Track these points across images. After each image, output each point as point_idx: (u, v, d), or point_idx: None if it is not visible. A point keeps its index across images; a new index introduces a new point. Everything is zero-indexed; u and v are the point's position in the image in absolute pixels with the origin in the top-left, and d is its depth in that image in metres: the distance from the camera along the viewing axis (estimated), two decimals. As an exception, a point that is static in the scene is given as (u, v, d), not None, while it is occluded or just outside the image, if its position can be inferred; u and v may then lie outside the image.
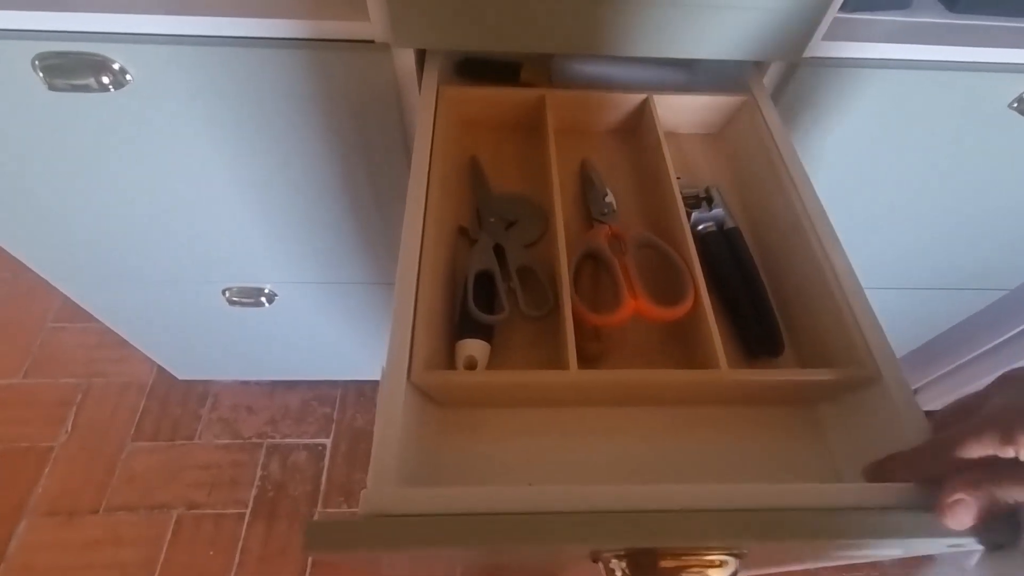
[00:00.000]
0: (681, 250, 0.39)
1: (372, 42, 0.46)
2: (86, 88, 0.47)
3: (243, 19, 0.45)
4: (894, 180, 0.62)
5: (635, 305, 0.36)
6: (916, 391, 1.16)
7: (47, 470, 1.02)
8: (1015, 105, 0.53)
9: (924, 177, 0.62)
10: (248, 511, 0.99)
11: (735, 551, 0.27)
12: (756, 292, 0.40)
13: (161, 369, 1.13)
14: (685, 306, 0.36)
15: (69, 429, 1.06)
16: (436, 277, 0.36)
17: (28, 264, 0.70)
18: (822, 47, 0.48)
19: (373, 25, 0.45)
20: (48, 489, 1.00)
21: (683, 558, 0.26)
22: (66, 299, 0.78)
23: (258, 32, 0.45)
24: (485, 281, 0.39)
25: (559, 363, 0.34)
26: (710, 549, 0.26)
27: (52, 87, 0.47)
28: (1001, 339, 0.94)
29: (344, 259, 0.72)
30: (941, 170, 0.61)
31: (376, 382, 1.16)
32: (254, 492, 1.01)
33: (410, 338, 0.32)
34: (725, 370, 0.33)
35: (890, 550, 0.31)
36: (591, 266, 0.42)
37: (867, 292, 0.85)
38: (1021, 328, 0.91)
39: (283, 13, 0.45)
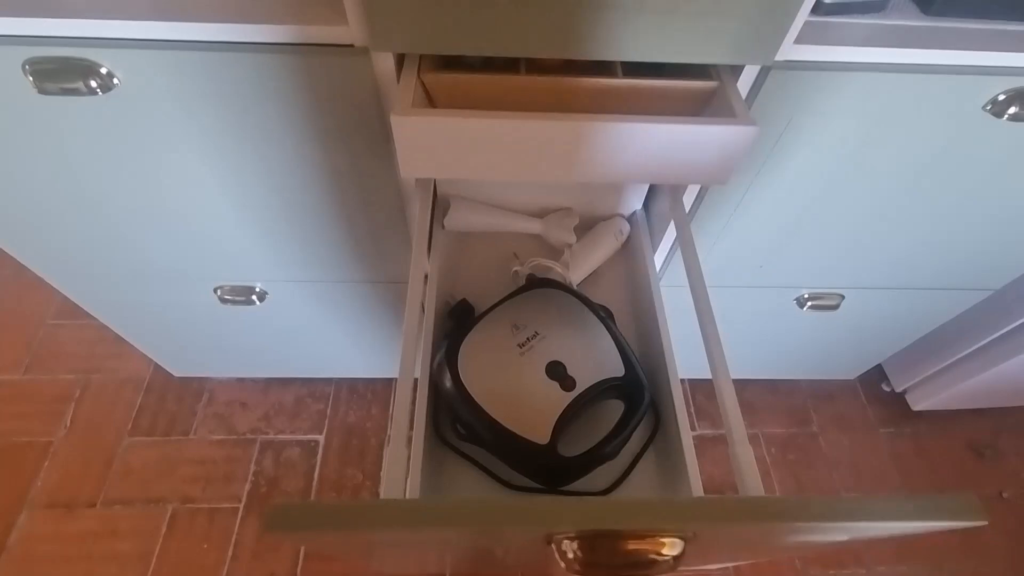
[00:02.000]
0: None
1: (352, 46, 0.47)
2: (75, 92, 0.49)
3: (224, 24, 0.46)
4: (872, 182, 0.63)
5: None
6: (906, 390, 1.16)
7: (46, 464, 1.04)
8: (989, 107, 0.53)
9: (902, 179, 0.63)
10: (242, 506, 1.01)
11: (683, 534, 0.28)
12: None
13: (158, 365, 1.14)
14: None
15: (68, 424, 1.08)
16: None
17: (23, 262, 0.72)
18: (795, 50, 0.49)
19: (351, 29, 0.46)
20: (47, 482, 1.02)
21: (633, 541, 0.28)
22: (66, 296, 0.80)
23: (239, 37, 0.47)
24: None
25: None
26: (661, 531, 0.27)
27: (42, 91, 0.48)
28: (989, 339, 0.95)
29: (332, 258, 0.73)
30: (919, 172, 0.62)
31: (369, 379, 1.17)
32: (248, 487, 1.03)
33: (418, 59, 0.49)
34: (620, 77, 0.50)
35: (836, 535, 0.32)
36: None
37: (855, 291, 0.85)
38: (1008, 328, 0.91)
39: (264, 18, 0.46)
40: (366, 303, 0.84)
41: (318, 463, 1.06)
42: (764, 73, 0.50)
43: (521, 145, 0.47)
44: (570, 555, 0.28)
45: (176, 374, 1.09)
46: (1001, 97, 0.52)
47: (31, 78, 0.47)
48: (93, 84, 0.48)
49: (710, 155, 0.49)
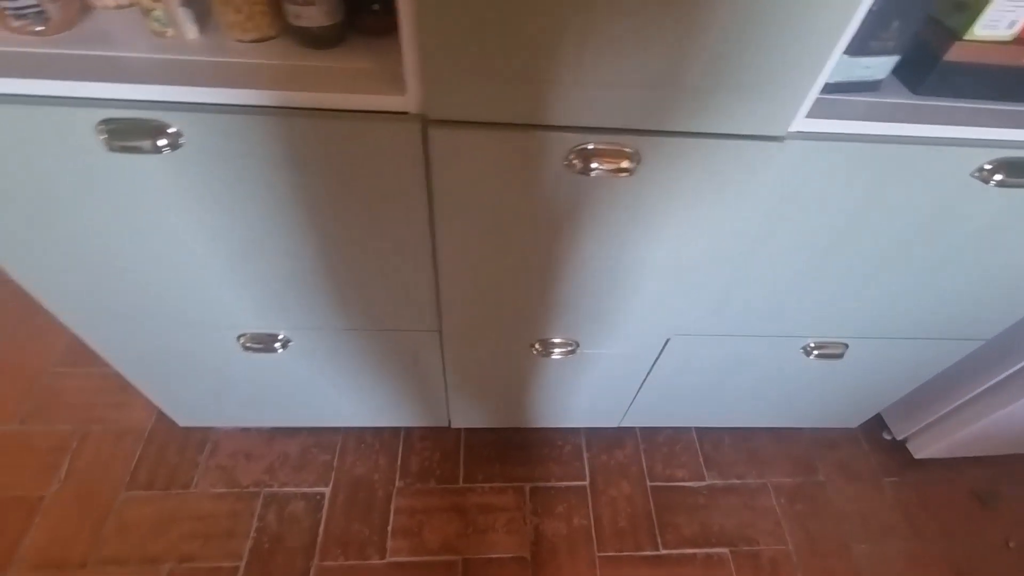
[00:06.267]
0: None
1: (406, 113, 0.52)
2: (140, 150, 0.52)
3: (284, 92, 0.50)
4: (871, 240, 0.68)
5: None
6: (907, 438, 1.18)
7: (37, 520, 0.99)
8: (976, 175, 0.59)
9: (899, 238, 0.68)
10: (243, 564, 0.97)
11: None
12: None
13: (160, 416, 1.12)
14: None
15: (62, 477, 1.04)
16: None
17: (47, 306, 0.72)
18: (805, 123, 0.54)
19: (408, 98, 0.50)
20: (36, 541, 0.97)
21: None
22: (70, 344, 0.79)
23: (299, 103, 0.50)
24: None
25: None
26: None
27: (111, 148, 0.51)
28: (983, 387, 0.98)
29: (362, 307, 0.75)
30: (914, 232, 0.67)
31: (377, 428, 1.15)
32: (249, 544, 0.99)
33: None
34: None
35: None
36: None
37: (858, 341, 0.89)
38: (1002, 377, 0.95)
39: (327, 88, 0.50)
40: (389, 351, 0.85)
41: (323, 517, 1.03)
42: (778, 142, 0.55)
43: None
44: (578, 165, 0.53)
45: (181, 423, 1.07)
46: (987, 166, 0.58)
47: (104, 137, 0.50)
48: (160, 143, 0.51)
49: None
